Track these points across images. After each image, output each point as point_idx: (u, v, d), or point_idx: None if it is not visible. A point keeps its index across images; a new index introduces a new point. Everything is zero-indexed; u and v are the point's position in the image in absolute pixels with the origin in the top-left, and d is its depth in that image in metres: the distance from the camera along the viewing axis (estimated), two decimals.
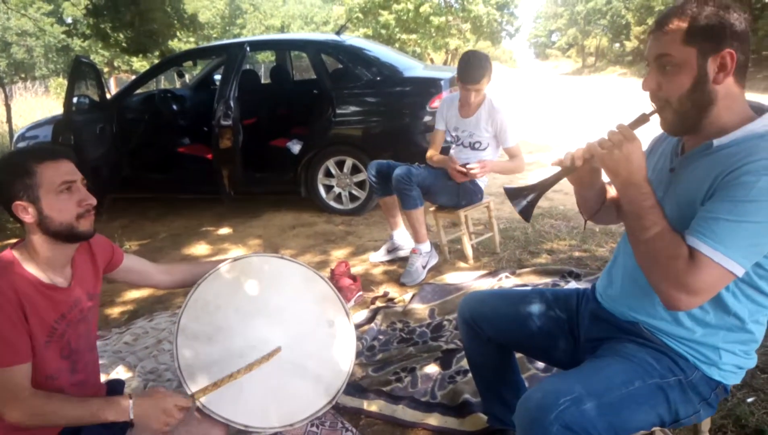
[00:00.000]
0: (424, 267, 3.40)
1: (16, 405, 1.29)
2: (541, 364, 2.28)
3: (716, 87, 1.17)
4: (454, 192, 3.37)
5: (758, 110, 1.22)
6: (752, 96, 1.41)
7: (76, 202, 1.39)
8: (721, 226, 1.10)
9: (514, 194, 1.38)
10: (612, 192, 1.54)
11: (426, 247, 3.43)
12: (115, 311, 3.32)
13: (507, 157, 3.42)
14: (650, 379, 1.22)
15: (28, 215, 1.36)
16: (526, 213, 1.37)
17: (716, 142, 1.19)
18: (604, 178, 1.40)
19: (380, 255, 3.73)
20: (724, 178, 1.13)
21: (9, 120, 8.84)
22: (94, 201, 1.42)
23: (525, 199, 1.36)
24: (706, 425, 1.38)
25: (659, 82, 1.21)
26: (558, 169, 1.36)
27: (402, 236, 3.68)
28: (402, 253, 3.66)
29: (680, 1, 1.21)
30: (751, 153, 1.12)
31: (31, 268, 1.38)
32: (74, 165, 1.42)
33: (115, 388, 1.68)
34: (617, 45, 33.17)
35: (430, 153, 3.52)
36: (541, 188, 1.37)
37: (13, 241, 1.48)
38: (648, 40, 1.24)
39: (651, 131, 1.42)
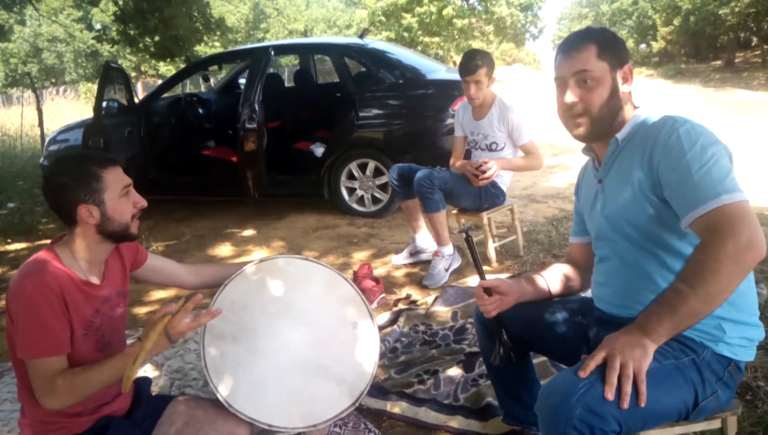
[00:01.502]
0: (446, 270, 3.39)
1: (53, 392, 1.34)
2: (563, 368, 2.26)
3: (623, 95, 1.41)
4: (476, 195, 3.36)
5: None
6: None
7: (132, 204, 1.49)
8: (698, 181, 1.21)
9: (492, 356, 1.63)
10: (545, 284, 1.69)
11: (449, 250, 3.43)
12: (141, 311, 3.38)
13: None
14: (665, 361, 1.22)
15: (92, 217, 1.43)
16: (505, 358, 1.60)
17: (619, 136, 1.41)
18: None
19: (402, 257, 3.74)
20: (653, 158, 1.29)
21: (41, 124, 9.08)
22: (145, 203, 1.52)
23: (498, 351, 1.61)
24: (732, 429, 1.36)
25: (580, 95, 1.39)
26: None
27: (424, 239, 3.68)
28: (424, 256, 3.66)
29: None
30: (655, 128, 1.33)
31: (71, 265, 1.44)
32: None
33: (143, 386, 1.72)
34: (643, 46, 32.65)
35: (452, 160, 3.52)
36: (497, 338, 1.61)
37: (45, 241, 1.54)
38: (559, 62, 1.43)
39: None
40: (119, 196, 1.46)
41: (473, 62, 3.18)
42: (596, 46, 1.37)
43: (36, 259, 1.41)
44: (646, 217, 1.33)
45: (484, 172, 3.17)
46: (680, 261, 1.31)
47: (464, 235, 1.64)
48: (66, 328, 1.38)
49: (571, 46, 1.41)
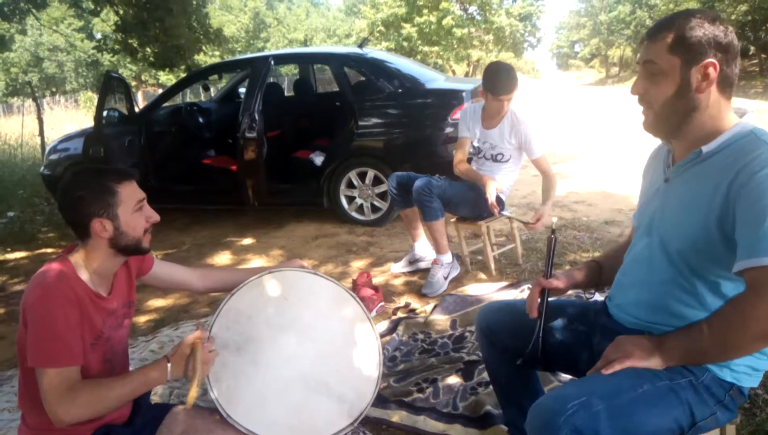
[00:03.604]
0: (445, 278, 3.40)
1: (70, 403, 1.32)
2: (564, 377, 2.26)
3: (699, 96, 1.24)
4: (475, 204, 3.36)
5: (741, 114, 1.29)
6: None
7: (145, 219, 1.50)
8: (767, 231, 1.09)
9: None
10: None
11: (447, 257, 3.43)
12: (141, 320, 3.38)
13: (534, 166, 3.38)
14: (659, 381, 1.21)
15: (106, 232, 1.44)
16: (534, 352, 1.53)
17: (705, 148, 1.25)
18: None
19: (401, 266, 3.74)
20: (732, 189, 1.16)
21: (41, 133, 9.11)
22: (158, 218, 1.53)
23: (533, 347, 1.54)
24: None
25: (645, 86, 1.29)
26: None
27: (423, 248, 3.68)
28: (423, 265, 3.67)
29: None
30: (744, 154, 1.18)
31: (82, 277, 1.45)
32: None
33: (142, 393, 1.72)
34: None
35: (457, 160, 3.45)
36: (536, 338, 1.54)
37: (45, 250, 1.55)
38: (641, 47, 1.31)
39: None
40: (133, 210, 1.47)
41: (511, 81, 3.18)
42: (673, 36, 1.23)
43: (52, 267, 1.41)
44: (691, 242, 1.24)
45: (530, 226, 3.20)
46: (716, 299, 1.25)
47: (552, 234, 1.59)
48: (79, 339, 1.38)
49: (651, 31, 1.28)
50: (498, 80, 3.19)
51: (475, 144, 3.47)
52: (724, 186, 1.18)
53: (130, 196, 1.47)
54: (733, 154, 1.20)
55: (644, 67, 1.28)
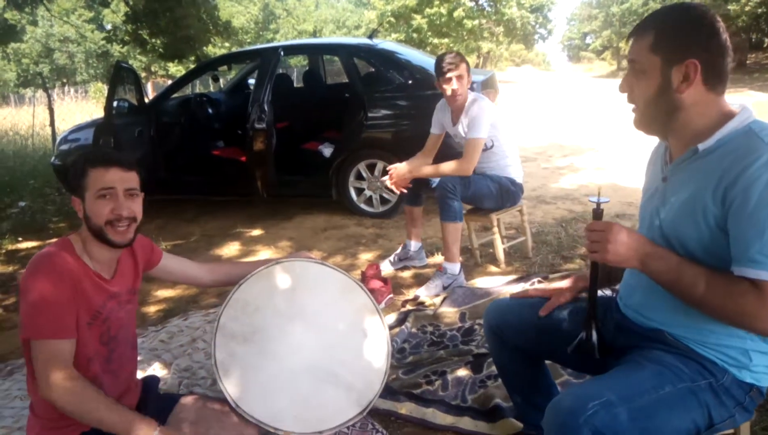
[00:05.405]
0: (444, 288, 3.21)
1: (55, 380, 1.32)
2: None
3: (681, 95, 1.21)
4: (497, 194, 3.30)
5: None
6: None
7: (110, 209, 1.46)
8: (765, 244, 1.09)
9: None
10: None
11: (454, 268, 3.24)
12: (151, 310, 3.39)
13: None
14: (680, 383, 1.19)
15: (80, 211, 1.49)
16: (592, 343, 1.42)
17: (701, 146, 1.21)
18: None
19: (389, 264, 3.64)
20: (730, 192, 1.13)
21: (52, 123, 9.15)
22: (125, 213, 1.46)
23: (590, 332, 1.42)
24: (745, 433, 1.34)
25: (631, 84, 1.27)
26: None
27: (416, 249, 3.62)
28: (411, 264, 3.62)
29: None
30: (742, 154, 1.13)
31: (83, 256, 1.47)
32: (131, 176, 1.49)
33: (150, 383, 1.73)
34: None
35: (421, 160, 3.50)
36: (589, 316, 1.42)
37: (56, 240, 1.56)
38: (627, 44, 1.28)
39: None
40: (95, 197, 1.45)
41: (453, 59, 3.23)
42: (655, 34, 1.21)
43: (50, 247, 1.44)
44: (697, 242, 1.21)
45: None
46: None
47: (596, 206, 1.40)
48: (71, 314, 1.39)
49: (635, 29, 1.26)
50: (437, 63, 3.26)
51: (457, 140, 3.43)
52: (722, 189, 1.14)
53: (95, 181, 1.45)
54: (730, 153, 1.15)
55: (630, 66, 1.27)
